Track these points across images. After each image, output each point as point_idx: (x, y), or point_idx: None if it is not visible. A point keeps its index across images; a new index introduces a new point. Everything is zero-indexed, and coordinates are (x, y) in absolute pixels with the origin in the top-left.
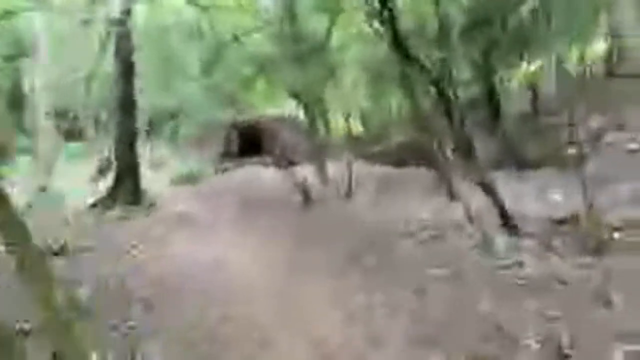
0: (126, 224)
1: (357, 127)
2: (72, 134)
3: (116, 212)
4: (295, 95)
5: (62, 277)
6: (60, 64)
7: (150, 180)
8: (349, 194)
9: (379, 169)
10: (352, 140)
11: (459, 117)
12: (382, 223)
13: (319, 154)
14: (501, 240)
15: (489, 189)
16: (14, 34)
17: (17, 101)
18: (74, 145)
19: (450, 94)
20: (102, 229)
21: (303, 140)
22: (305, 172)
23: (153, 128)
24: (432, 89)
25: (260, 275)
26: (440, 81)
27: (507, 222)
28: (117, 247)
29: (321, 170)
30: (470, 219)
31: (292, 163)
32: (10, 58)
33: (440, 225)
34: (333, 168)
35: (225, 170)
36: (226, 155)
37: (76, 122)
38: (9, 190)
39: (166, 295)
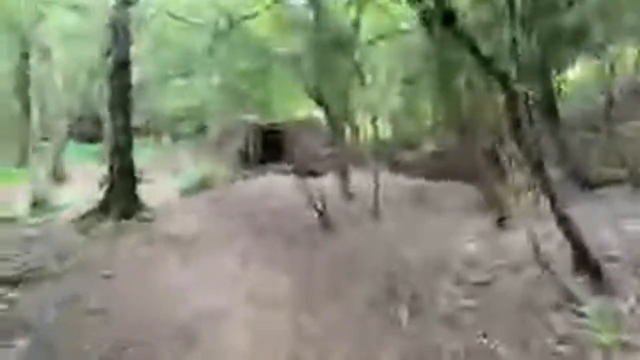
0: (109, 244)
1: (385, 131)
2: (84, 135)
3: (106, 226)
4: (312, 95)
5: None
6: (71, 61)
7: (158, 187)
8: (375, 213)
9: (410, 182)
10: (378, 147)
11: (528, 118)
12: (416, 259)
13: (340, 162)
14: (588, 297)
15: (562, 215)
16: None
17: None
18: (90, 148)
19: (516, 87)
20: (79, 250)
21: (325, 146)
22: (327, 182)
23: (166, 130)
24: (491, 81)
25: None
26: (503, 70)
27: (589, 264)
28: (82, 280)
29: (343, 181)
30: (538, 256)
31: (312, 172)
32: (24, 56)
33: (493, 264)
34: (358, 178)
35: (244, 177)
36: (246, 161)
37: (83, 122)
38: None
39: None
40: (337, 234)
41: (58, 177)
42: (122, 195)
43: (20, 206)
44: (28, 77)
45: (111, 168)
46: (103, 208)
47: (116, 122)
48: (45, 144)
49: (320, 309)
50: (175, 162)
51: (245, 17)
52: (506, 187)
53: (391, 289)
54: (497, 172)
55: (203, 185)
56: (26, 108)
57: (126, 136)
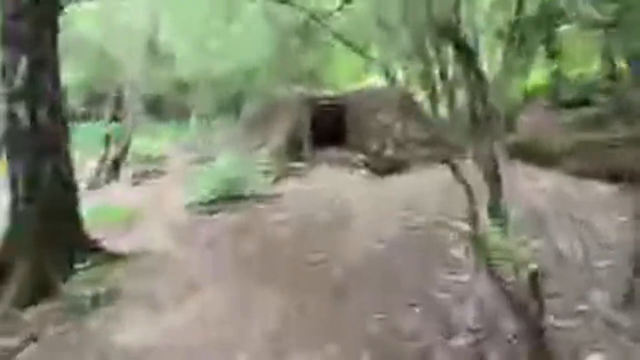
0: None
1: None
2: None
3: None
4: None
5: None
6: None
7: (159, 197)
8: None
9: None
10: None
11: None
12: None
13: (486, 148)
14: None
15: None
16: None
17: None
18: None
19: None
20: None
21: (420, 127)
22: (436, 185)
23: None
24: None
25: None
26: None
27: None
28: None
29: (494, 188)
30: None
31: (393, 167)
32: None
33: None
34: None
35: (292, 172)
36: (294, 148)
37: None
38: None
39: None
40: None
41: None
42: (35, 239)
43: None
44: None
45: (13, 181)
46: None
47: (14, 81)
48: None
49: None
50: (198, 152)
51: None
52: None
53: None
54: None
55: (232, 192)
56: None
57: (46, 108)
